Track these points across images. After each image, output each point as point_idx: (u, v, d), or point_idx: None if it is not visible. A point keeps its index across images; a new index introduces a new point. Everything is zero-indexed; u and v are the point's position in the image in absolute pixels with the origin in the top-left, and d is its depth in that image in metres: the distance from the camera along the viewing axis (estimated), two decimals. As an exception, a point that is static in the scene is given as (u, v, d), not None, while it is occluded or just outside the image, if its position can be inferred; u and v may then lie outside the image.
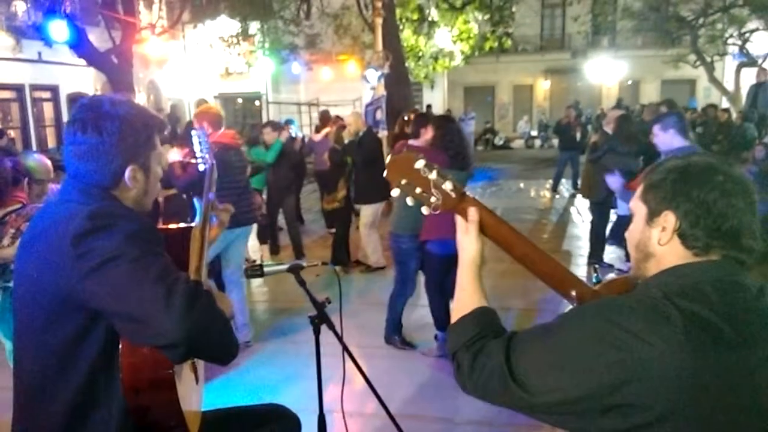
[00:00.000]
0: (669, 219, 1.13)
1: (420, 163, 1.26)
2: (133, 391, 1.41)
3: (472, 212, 1.30)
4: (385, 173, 1.31)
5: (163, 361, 1.39)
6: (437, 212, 1.29)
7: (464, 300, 1.31)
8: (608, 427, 1.05)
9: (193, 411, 1.66)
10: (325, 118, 8.43)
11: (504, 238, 1.30)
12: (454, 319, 1.30)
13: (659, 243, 1.15)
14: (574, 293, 1.25)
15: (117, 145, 1.46)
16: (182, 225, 1.81)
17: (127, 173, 1.49)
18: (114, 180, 1.49)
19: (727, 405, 1.02)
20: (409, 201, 1.31)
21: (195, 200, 1.99)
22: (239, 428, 1.89)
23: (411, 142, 4.45)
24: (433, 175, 1.27)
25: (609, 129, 6.27)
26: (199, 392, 1.80)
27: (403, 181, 1.28)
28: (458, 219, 1.33)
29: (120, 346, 1.40)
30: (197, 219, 1.91)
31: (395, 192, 1.30)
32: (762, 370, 1.04)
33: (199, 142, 2.20)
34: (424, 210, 1.30)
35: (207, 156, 2.21)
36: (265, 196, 7.13)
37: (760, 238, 1.13)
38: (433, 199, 1.27)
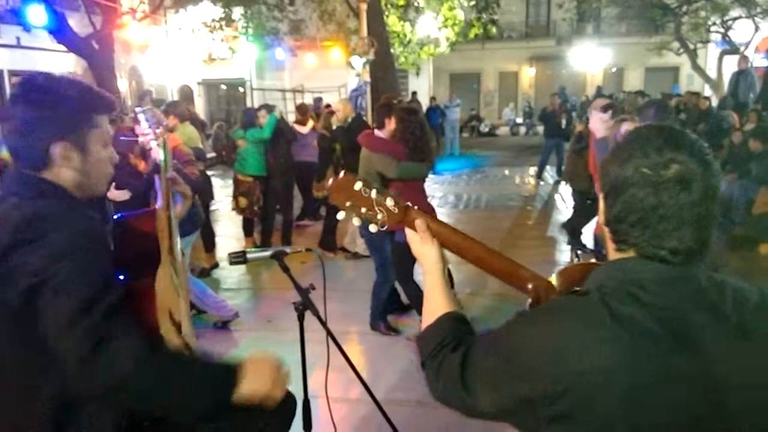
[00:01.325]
0: (602, 201, 1.10)
1: (358, 185, 1.29)
2: None
3: (420, 223, 1.31)
4: (329, 199, 1.34)
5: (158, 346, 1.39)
6: (384, 228, 1.32)
7: (430, 308, 1.32)
8: None
9: None
10: (303, 110, 8.33)
11: (454, 244, 1.31)
12: (423, 327, 1.32)
13: (603, 224, 1.13)
14: (530, 286, 1.25)
15: (44, 119, 1.40)
16: (145, 209, 1.78)
17: (56, 150, 1.42)
18: (43, 159, 1.42)
19: (673, 411, 0.96)
20: (356, 221, 1.33)
21: (155, 179, 1.96)
22: (239, 405, 1.89)
23: (376, 132, 4.47)
24: (373, 194, 1.29)
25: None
26: None
27: (348, 204, 1.30)
28: (409, 232, 1.34)
29: None
30: (159, 199, 1.88)
31: (341, 215, 1.33)
32: (711, 371, 0.98)
33: (146, 119, 2.14)
34: (372, 228, 1.32)
35: (158, 132, 2.15)
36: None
37: (693, 238, 1.01)
38: (379, 216, 1.30)
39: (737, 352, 0.99)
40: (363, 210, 1.30)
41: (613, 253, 1.10)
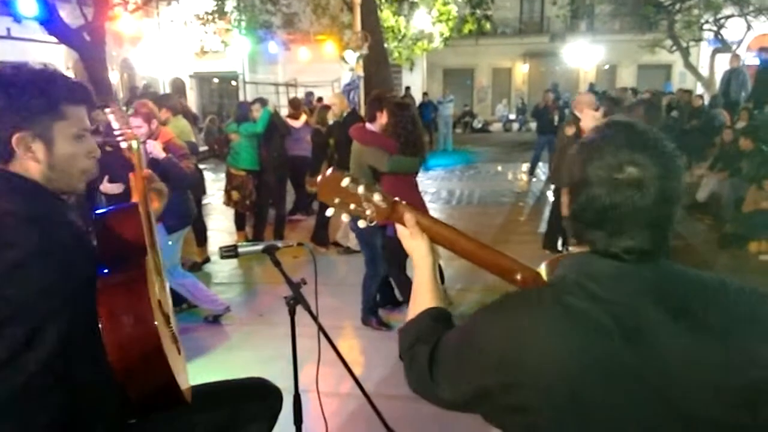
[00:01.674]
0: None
1: (346, 181, 1.30)
2: (125, 371, 1.38)
3: (409, 217, 1.32)
4: (318, 196, 1.34)
5: (149, 334, 1.39)
6: (373, 224, 1.32)
7: (415, 303, 1.33)
8: (515, 427, 1.05)
9: (185, 380, 1.68)
10: (296, 105, 8.33)
11: (444, 238, 1.32)
12: (407, 320, 1.33)
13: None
14: (519, 277, 1.26)
15: (5, 110, 1.38)
16: (125, 204, 1.78)
17: (15, 140, 1.39)
18: (7, 150, 1.40)
19: (624, 407, 0.97)
20: (345, 217, 1.34)
21: (131, 177, 1.98)
22: (214, 398, 1.89)
23: (368, 126, 4.45)
24: (361, 190, 1.30)
25: (580, 114, 6.21)
26: (184, 364, 1.81)
27: (336, 200, 1.31)
28: (399, 227, 1.35)
29: (101, 326, 1.36)
30: (134, 196, 1.90)
31: (330, 212, 1.34)
32: (661, 367, 0.96)
33: (115, 119, 2.14)
34: (361, 224, 1.32)
35: (130, 131, 2.15)
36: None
37: (648, 239, 1.00)
38: (368, 212, 1.31)
39: (689, 348, 0.97)
40: (352, 206, 1.30)
41: (574, 247, 1.11)
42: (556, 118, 11.46)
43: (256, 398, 1.96)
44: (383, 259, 4.35)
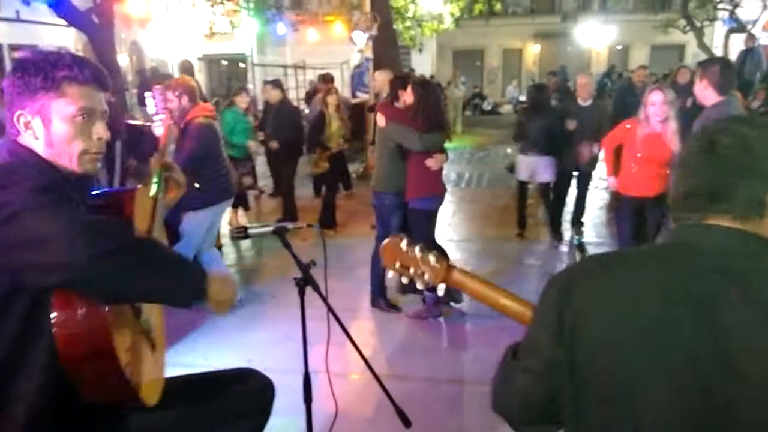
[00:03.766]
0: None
1: (404, 244, 1.37)
2: (72, 362, 1.37)
3: (459, 281, 1.36)
4: (381, 261, 1.43)
5: (100, 328, 1.37)
6: (430, 286, 1.38)
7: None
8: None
9: (150, 380, 1.63)
10: (327, 81, 8.53)
11: (488, 298, 1.36)
12: None
13: None
14: None
15: (10, 89, 1.43)
16: (123, 189, 1.80)
17: (16, 117, 1.44)
18: (14, 127, 1.45)
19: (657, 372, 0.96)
20: (405, 280, 1.41)
21: (151, 160, 1.98)
22: (204, 391, 1.86)
23: (395, 104, 4.44)
24: (417, 253, 1.37)
25: (581, 100, 6.08)
26: (158, 360, 1.76)
27: (397, 264, 1.38)
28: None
29: (53, 317, 1.35)
30: (154, 180, 1.89)
31: (390, 275, 1.42)
32: (713, 347, 0.93)
33: (155, 104, 2.15)
34: (421, 285, 1.38)
35: (164, 117, 2.16)
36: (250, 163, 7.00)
37: None
38: (426, 276, 1.37)
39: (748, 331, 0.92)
40: (411, 270, 1.37)
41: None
42: (553, 101, 11.24)
43: (241, 385, 1.92)
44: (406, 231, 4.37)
